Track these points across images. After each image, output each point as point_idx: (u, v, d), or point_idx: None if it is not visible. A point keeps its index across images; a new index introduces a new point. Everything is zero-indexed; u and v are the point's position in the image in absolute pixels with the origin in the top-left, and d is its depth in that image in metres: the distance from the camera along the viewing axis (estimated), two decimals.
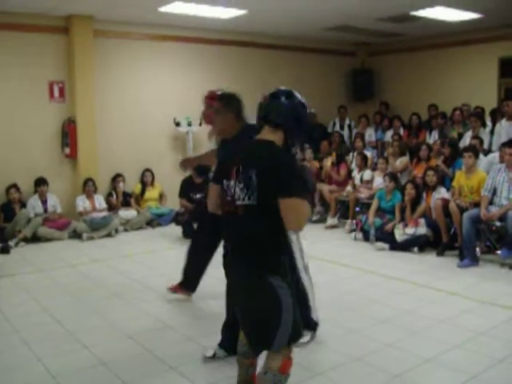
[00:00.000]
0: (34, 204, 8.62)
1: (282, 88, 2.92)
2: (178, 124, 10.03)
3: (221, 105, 4.01)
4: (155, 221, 9.42)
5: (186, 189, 8.72)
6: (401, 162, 9.00)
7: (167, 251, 7.78)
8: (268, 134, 2.78)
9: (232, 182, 2.73)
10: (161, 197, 9.90)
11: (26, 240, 8.25)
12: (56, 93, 9.23)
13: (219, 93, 4.95)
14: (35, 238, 8.36)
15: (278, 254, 2.73)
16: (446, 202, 7.17)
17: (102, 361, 4.08)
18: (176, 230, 8.61)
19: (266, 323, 2.69)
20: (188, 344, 4.39)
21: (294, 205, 2.60)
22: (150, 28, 9.89)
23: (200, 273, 5.34)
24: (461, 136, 9.35)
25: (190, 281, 5.40)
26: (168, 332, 4.69)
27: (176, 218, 8.89)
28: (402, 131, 10.68)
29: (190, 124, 10.08)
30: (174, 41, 10.23)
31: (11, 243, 8.00)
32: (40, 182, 8.70)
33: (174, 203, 9.40)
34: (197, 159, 5.28)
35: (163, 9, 8.63)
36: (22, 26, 8.73)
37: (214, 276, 4.85)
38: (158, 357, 4.14)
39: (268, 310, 2.68)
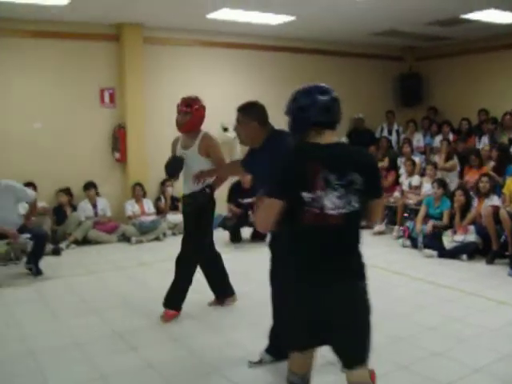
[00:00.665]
0: (85, 207, 8.83)
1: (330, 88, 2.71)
2: (225, 130, 10.10)
3: (241, 115, 3.96)
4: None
5: (234, 194, 8.77)
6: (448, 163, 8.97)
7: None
8: (333, 137, 2.62)
9: (320, 192, 2.44)
10: None
11: (77, 242, 8.46)
12: (107, 98, 9.43)
13: (194, 98, 5.18)
14: (85, 241, 8.56)
15: (361, 255, 2.67)
16: (496, 209, 7.03)
17: (149, 362, 4.15)
18: (223, 234, 8.67)
19: (365, 333, 2.60)
20: (233, 348, 4.42)
21: (382, 203, 2.71)
22: (198, 34, 10.00)
23: (225, 276, 5.46)
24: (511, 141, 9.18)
25: (223, 288, 5.49)
26: (213, 335, 4.73)
27: (223, 223, 8.94)
28: (451, 136, 10.53)
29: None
30: (222, 47, 10.32)
31: (62, 245, 8.21)
32: (88, 186, 8.90)
33: (220, 208, 9.45)
34: (215, 171, 5.12)
35: (211, 15, 8.72)
36: (76, 34, 8.98)
37: (258, 280, 4.86)
38: (203, 360, 4.19)
39: (366, 318, 2.60)
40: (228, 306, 5.46)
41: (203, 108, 5.25)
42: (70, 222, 8.53)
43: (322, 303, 2.52)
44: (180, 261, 5.15)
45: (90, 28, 9.07)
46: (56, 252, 7.85)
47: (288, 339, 2.76)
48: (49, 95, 8.92)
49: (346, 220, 2.49)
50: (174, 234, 9.12)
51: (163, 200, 9.55)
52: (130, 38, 9.27)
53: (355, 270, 2.61)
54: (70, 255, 7.94)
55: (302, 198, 2.45)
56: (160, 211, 9.38)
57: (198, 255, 5.19)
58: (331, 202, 2.45)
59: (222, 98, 10.30)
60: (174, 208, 9.55)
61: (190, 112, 5.08)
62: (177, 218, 9.34)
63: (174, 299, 5.17)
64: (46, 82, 8.89)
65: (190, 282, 5.15)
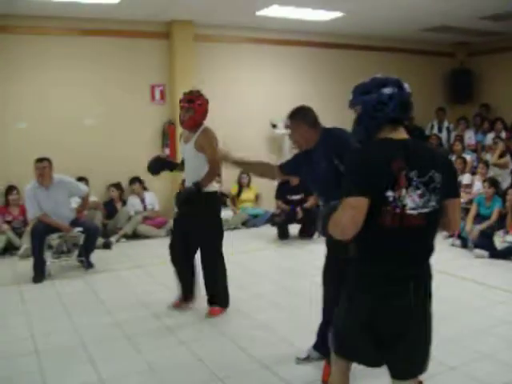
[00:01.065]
0: (133, 202, 9.00)
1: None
2: (274, 126, 10.13)
3: (290, 121, 3.96)
4: (250, 221, 9.56)
5: (283, 190, 8.79)
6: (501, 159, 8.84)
7: (262, 252, 7.89)
8: (404, 134, 2.49)
9: (403, 191, 2.32)
10: (256, 198, 10.04)
11: (127, 236, 8.63)
12: (157, 95, 9.58)
13: (196, 93, 5.13)
14: (135, 235, 8.72)
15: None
16: None
17: (198, 357, 4.21)
18: (271, 230, 8.70)
19: (430, 345, 2.51)
20: (281, 344, 4.44)
21: (459, 204, 2.55)
22: (247, 31, 10.05)
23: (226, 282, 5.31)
24: None
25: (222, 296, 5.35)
26: (261, 331, 4.76)
27: (271, 219, 8.97)
28: (504, 134, 10.30)
29: (287, 127, 10.13)
30: (271, 44, 10.36)
31: (112, 239, 8.39)
32: (133, 181, 9.08)
33: (269, 204, 9.51)
34: (211, 175, 5.00)
35: (261, 12, 8.76)
36: (127, 32, 9.16)
37: (304, 277, 4.89)
38: (251, 355, 4.22)
39: (431, 328, 2.50)
40: (276, 303, 5.48)
41: (206, 102, 5.17)
42: (120, 217, 8.71)
43: (398, 314, 2.39)
44: (206, 261, 5.14)
45: (141, 26, 9.23)
46: (107, 246, 8.02)
47: (346, 350, 2.58)
48: (100, 92, 9.11)
49: (427, 220, 2.37)
50: None
51: None
52: (180, 36, 9.39)
53: (430, 277, 2.48)
54: (119, 249, 8.10)
55: (385, 198, 2.31)
56: None
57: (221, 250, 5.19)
58: (412, 201, 2.33)
59: (272, 95, 10.36)
60: (222, 204, 9.61)
61: (193, 108, 5.03)
62: (225, 214, 9.35)
63: (219, 297, 5.21)
64: (98, 79, 9.08)
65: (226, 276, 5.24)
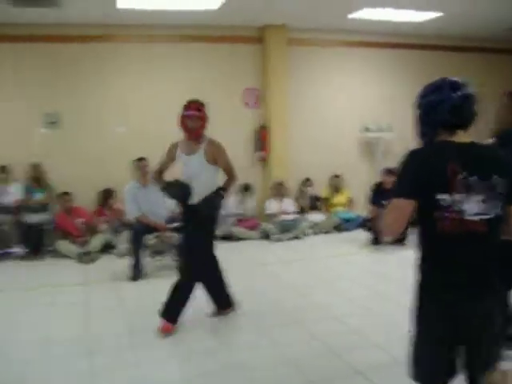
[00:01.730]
0: (229, 204, 9.14)
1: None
2: (367, 130, 10.00)
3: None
4: (342, 225, 9.48)
5: (376, 195, 8.64)
6: None
7: (354, 256, 7.80)
8: (466, 137, 2.38)
9: (460, 196, 2.26)
10: (349, 202, 9.94)
11: (220, 238, 8.76)
12: (251, 99, 9.68)
13: (201, 102, 5.01)
14: (228, 237, 8.84)
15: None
16: None
17: (287, 358, 4.21)
18: (362, 235, 8.58)
19: (497, 345, 2.47)
20: (374, 350, 4.37)
21: None
22: (339, 34, 9.99)
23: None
24: None
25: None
26: (354, 336, 4.70)
27: (363, 224, 8.85)
28: None
29: (380, 130, 10.01)
30: (363, 46, 10.24)
31: None
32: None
33: (361, 208, 9.39)
34: (230, 183, 5.05)
35: (353, 15, 8.68)
36: (224, 37, 9.35)
37: (396, 282, 4.77)
38: (344, 361, 4.17)
39: (498, 331, 2.42)
40: (368, 308, 5.40)
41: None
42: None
43: (460, 326, 2.33)
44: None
45: (236, 31, 9.39)
46: None
47: (422, 375, 2.48)
48: (197, 96, 9.29)
49: (489, 227, 2.28)
50: (313, 234, 9.18)
51: (303, 199, 9.63)
52: (274, 40, 9.46)
53: (494, 284, 2.38)
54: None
55: (438, 201, 2.26)
56: (300, 210, 9.47)
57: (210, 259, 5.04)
58: (472, 207, 2.26)
59: (361, 98, 10.25)
60: (314, 207, 9.62)
61: (201, 117, 4.93)
62: (317, 217, 9.41)
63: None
64: (196, 83, 9.28)
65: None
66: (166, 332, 4.76)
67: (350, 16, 8.73)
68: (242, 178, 9.23)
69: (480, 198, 2.26)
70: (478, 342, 2.37)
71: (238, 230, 8.91)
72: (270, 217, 9.12)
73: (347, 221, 9.56)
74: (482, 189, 2.27)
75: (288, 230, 8.90)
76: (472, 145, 2.36)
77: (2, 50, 8.48)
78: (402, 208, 2.31)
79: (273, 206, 9.24)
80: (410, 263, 3.82)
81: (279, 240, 8.76)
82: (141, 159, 7.17)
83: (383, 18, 8.84)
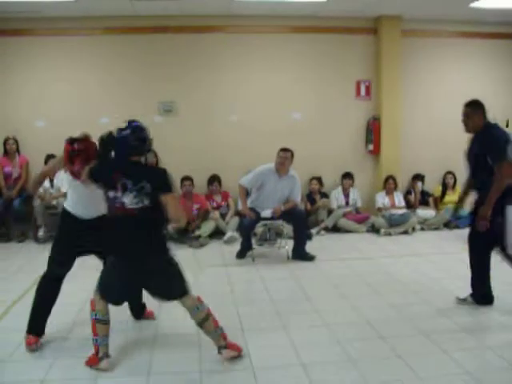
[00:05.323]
0: (337, 196, 9.15)
1: None
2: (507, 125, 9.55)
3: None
4: (453, 222, 9.19)
5: None
6: None
7: (462, 254, 7.51)
8: None
9: None
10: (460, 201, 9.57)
11: (327, 229, 8.78)
12: (362, 91, 9.59)
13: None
14: (335, 229, 8.84)
15: None
16: None
17: (397, 353, 4.14)
18: None
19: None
20: (485, 351, 4.22)
21: None
22: (458, 25, 9.61)
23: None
24: None
25: None
26: (467, 337, 4.53)
27: None
28: None
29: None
30: (484, 38, 9.79)
31: (313, 231, 8.59)
32: (346, 176, 9.27)
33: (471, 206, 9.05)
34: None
35: (475, 4, 8.35)
36: (335, 28, 9.32)
37: None
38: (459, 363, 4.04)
39: None
40: (476, 308, 5.20)
41: None
42: (320, 209, 8.88)
43: None
44: None
45: (348, 22, 9.31)
46: (308, 237, 8.20)
47: None
48: (309, 87, 9.34)
49: None
50: (422, 229, 8.99)
51: (413, 194, 9.43)
52: (387, 31, 9.29)
53: None
54: (320, 241, 8.26)
55: None
56: (410, 205, 9.29)
57: None
58: None
59: (481, 93, 9.79)
60: (424, 203, 9.40)
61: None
62: (427, 213, 9.20)
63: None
64: (307, 74, 9.33)
65: None
66: None
67: (472, 5, 8.40)
68: (352, 170, 9.27)
69: None
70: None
71: (346, 223, 8.87)
72: (380, 210, 9.02)
73: (458, 218, 9.24)
74: None
75: (397, 224, 8.76)
76: None
77: (126, 40, 8.95)
78: None
79: (383, 199, 9.12)
80: None
81: (388, 234, 8.64)
82: (285, 150, 7.18)
83: (508, 6, 8.42)
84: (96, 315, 3.85)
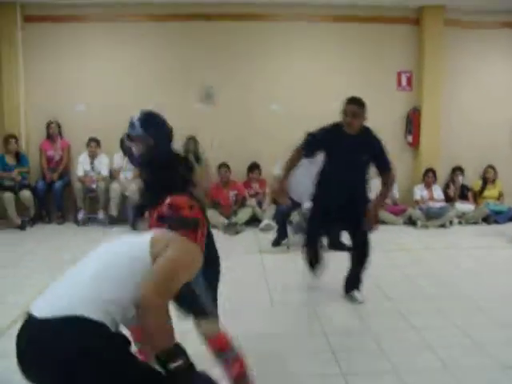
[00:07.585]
0: (373, 187, 9.06)
1: None
2: None
3: None
4: (492, 217, 9.07)
5: None
6: None
7: (500, 250, 7.41)
8: None
9: None
10: (500, 195, 9.45)
11: None
12: (403, 82, 9.50)
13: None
14: None
15: None
16: None
17: (428, 344, 4.12)
18: None
19: None
20: None
21: None
22: (502, 15, 9.43)
23: None
24: None
25: None
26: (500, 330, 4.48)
27: None
28: None
29: None
30: None
31: None
32: None
33: None
34: None
35: None
36: (378, 18, 9.21)
37: None
38: (497, 362, 3.89)
39: None
40: None
41: None
42: None
43: None
44: None
45: (390, 12, 9.22)
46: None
47: None
48: (349, 78, 9.28)
49: None
50: (460, 223, 8.89)
51: (452, 187, 9.32)
52: (430, 21, 9.17)
53: None
54: None
55: None
56: (448, 198, 9.18)
57: None
58: None
59: None
60: (463, 197, 9.29)
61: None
62: (465, 207, 9.10)
63: None
64: (347, 65, 9.29)
65: None
66: None
67: None
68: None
69: None
70: None
71: (383, 214, 8.80)
72: (418, 203, 8.94)
73: (497, 213, 9.13)
74: None
75: (435, 217, 8.69)
76: None
77: (169, 27, 9.06)
78: None
79: (421, 192, 9.04)
80: None
81: (425, 227, 8.57)
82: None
83: None
84: None
